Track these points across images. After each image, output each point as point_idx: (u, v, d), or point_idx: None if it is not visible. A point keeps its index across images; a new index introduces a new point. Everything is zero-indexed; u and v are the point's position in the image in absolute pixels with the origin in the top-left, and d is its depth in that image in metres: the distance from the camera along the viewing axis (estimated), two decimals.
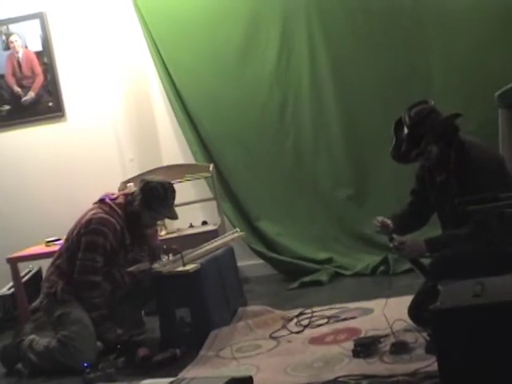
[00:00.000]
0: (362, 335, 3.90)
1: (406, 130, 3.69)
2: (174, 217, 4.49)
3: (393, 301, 4.11)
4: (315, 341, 4.02)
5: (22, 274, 5.65)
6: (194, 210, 5.89)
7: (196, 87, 5.95)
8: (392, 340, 3.61)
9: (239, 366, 3.82)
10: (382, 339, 3.69)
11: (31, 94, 6.15)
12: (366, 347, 3.60)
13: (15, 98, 6.19)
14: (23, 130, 6.22)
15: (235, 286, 4.77)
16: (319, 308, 4.56)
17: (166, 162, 6.02)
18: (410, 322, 3.75)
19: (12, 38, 6.13)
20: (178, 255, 4.42)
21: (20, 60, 6.15)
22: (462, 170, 3.65)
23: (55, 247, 5.05)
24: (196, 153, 5.98)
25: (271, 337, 4.21)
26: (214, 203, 5.81)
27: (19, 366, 4.40)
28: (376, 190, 5.66)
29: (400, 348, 3.51)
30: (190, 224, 5.80)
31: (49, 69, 6.11)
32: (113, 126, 6.04)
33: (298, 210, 5.85)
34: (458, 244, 3.59)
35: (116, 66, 6.01)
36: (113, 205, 4.40)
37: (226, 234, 5.07)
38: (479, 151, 3.67)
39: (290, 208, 5.86)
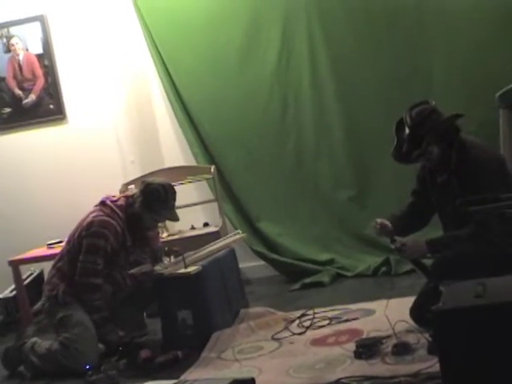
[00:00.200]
0: (364, 336, 3.90)
1: (407, 131, 3.69)
2: (175, 218, 4.49)
3: (394, 302, 4.11)
4: (317, 342, 4.02)
5: (24, 276, 5.65)
6: (195, 211, 5.89)
7: (197, 88, 5.95)
8: (394, 341, 3.60)
9: (241, 368, 3.82)
10: (383, 340, 3.68)
11: (32, 97, 6.15)
12: (367, 348, 3.60)
13: (16, 101, 6.19)
14: (24, 133, 6.21)
15: (237, 287, 4.76)
16: (321, 309, 4.56)
17: (167, 164, 6.02)
18: (411, 322, 3.75)
19: (13, 41, 6.13)
20: (180, 257, 4.42)
21: (21, 62, 6.15)
22: (462, 171, 3.65)
23: (57, 250, 5.04)
24: (197, 154, 5.98)
25: (273, 338, 4.21)
26: (215, 205, 5.81)
27: (21, 368, 4.41)
28: (377, 190, 5.65)
29: (402, 349, 3.51)
30: (192, 226, 5.80)
31: (49, 71, 6.11)
32: (114, 128, 6.04)
33: (300, 211, 5.84)
34: (459, 245, 3.59)
35: (116, 67, 6.01)
36: (114, 207, 4.40)
37: (228, 236, 5.06)
38: (480, 151, 3.67)
39: (292, 209, 5.86)
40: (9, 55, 6.16)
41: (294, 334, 4.22)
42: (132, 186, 5.45)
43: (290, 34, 5.74)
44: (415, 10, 5.48)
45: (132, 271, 4.48)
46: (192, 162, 6.01)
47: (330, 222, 5.78)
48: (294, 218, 5.85)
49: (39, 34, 6.07)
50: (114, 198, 4.48)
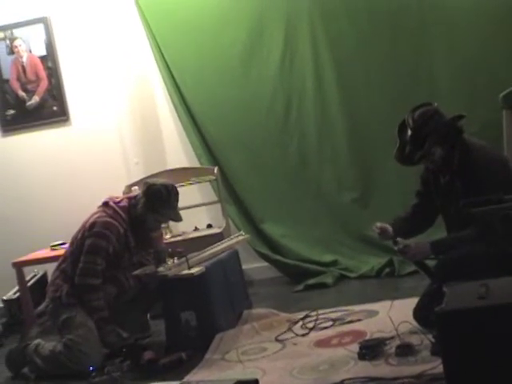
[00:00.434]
0: (368, 337, 3.89)
1: (409, 132, 3.68)
2: (178, 219, 4.49)
3: (398, 303, 4.12)
4: (321, 343, 4.02)
5: (28, 278, 5.66)
6: (198, 213, 5.89)
7: (200, 90, 5.95)
8: (397, 342, 3.60)
9: (245, 369, 3.81)
10: (387, 341, 3.68)
11: (36, 99, 6.16)
12: (371, 349, 3.60)
13: (20, 103, 6.20)
14: (28, 135, 6.23)
15: (240, 288, 4.77)
16: (324, 310, 4.56)
17: (170, 166, 6.02)
18: (415, 323, 3.75)
19: (16, 43, 6.14)
20: (183, 258, 4.42)
21: (24, 64, 6.16)
22: (466, 172, 3.65)
23: (60, 251, 5.05)
24: (201, 156, 5.98)
25: (277, 340, 4.20)
26: (218, 206, 5.81)
27: (25, 370, 4.41)
28: (380, 192, 5.65)
29: (405, 350, 3.51)
30: (195, 227, 5.80)
31: (53, 73, 6.12)
32: (117, 129, 6.05)
33: (303, 212, 5.84)
34: (462, 246, 3.59)
35: (120, 69, 6.02)
36: (116, 208, 4.40)
37: (231, 237, 5.07)
38: (483, 153, 3.67)
39: (295, 211, 5.85)
40: (12, 57, 6.18)
41: (298, 335, 4.22)
42: (136, 188, 5.45)
43: (294, 36, 5.74)
44: (418, 12, 5.48)
45: (135, 272, 4.48)
46: (195, 164, 6.01)
47: (333, 224, 5.78)
48: (297, 219, 5.84)
49: (43, 36, 6.08)
50: (117, 200, 4.48)
